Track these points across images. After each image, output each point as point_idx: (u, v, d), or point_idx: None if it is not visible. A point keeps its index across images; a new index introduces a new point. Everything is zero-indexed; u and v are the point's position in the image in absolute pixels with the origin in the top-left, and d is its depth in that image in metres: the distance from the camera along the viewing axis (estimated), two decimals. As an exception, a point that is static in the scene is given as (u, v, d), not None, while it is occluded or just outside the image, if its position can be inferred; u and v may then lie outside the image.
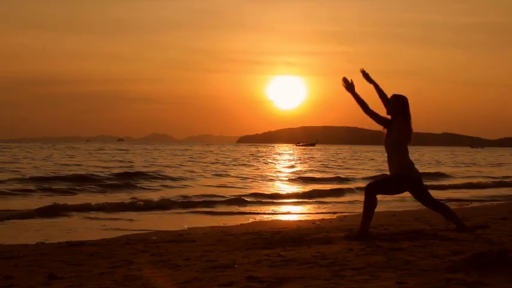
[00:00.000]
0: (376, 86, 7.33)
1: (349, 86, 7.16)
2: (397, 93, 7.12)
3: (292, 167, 39.73)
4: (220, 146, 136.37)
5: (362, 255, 5.70)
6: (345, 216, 12.73)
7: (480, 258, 4.95)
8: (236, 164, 42.85)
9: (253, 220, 12.48)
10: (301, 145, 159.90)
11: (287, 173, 32.50)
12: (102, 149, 76.40)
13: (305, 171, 33.71)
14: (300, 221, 11.89)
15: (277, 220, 12.66)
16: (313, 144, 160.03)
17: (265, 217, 13.23)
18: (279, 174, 30.82)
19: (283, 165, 43.06)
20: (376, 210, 7.03)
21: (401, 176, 6.96)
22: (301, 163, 46.71)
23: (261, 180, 26.26)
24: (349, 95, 7.15)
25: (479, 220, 8.52)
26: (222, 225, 11.35)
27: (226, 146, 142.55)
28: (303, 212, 14.63)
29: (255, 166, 40.02)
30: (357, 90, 7.10)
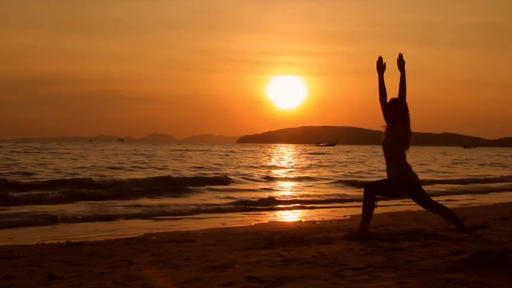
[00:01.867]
0: (403, 76, 7.12)
1: (380, 66, 7.19)
2: (402, 101, 7.08)
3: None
4: (240, 146, 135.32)
5: (362, 255, 5.70)
6: (345, 216, 12.74)
7: (480, 258, 4.95)
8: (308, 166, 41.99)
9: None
10: (322, 145, 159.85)
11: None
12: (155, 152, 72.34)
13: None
14: (300, 221, 11.88)
15: (277, 220, 12.67)
16: (333, 145, 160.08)
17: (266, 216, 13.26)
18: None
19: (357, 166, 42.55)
20: (376, 210, 7.03)
21: (401, 180, 6.96)
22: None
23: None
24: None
25: (479, 220, 8.51)
26: (222, 225, 11.35)
27: (240, 146, 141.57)
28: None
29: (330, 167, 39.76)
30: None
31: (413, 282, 4.45)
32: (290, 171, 33.83)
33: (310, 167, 40.32)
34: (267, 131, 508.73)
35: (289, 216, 13.56)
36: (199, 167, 34.60)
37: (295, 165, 42.50)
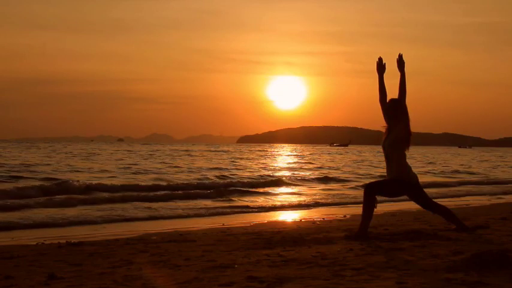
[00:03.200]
0: (402, 76, 7.07)
1: (381, 67, 7.19)
2: (396, 98, 7.09)
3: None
4: (247, 147, 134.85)
5: (362, 255, 5.71)
6: (345, 216, 12.73)
7: (480, 258, 4.95)
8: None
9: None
10: (336, 145, 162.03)
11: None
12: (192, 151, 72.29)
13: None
14: (300, 221, 11.88)
15: (277, 220, 12.67)
16: (346, 145, 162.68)
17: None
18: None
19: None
20: (376, 210, 7.03)
21: (401, 181, 6.96)
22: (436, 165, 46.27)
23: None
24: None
25: (479, 220, 8.52)
26: (222, 225, 11.35)
27: (249, 146, 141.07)
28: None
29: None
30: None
31: (413, 282, 4.45)
32: (336, 171, 33.78)
33: (355, 166, 40.58)
34: (267, 131, 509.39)
35: (289, 216, 13.56)
36: (239, 169, 33.91)
37: (332, 165, 42.31)
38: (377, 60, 7.23)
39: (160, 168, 32.70)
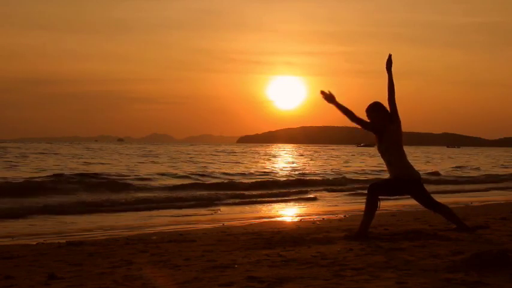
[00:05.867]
0: (390, 77, 6.97)
1: (328, 97, 7.10)
2: (375, 102, 7.05)
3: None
4: (257, 147, 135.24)
5: (362, 255, 5.71)
6: (345, 216, 12.74)
7: (480, 258, 4.95)
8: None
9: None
10: (362, 145, 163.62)
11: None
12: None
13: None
14: (300, 221, 11.88)
15: (277, 220, 12.67)
16: (372, 145, 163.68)
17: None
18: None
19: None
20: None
21: (402, 179, 6.96)
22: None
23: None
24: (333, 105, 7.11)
25: (479, 220, 8.51)
26: (222, 225, 11.35)
27: (259, 147, 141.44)
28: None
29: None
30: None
31: (413, 282, 4.45)
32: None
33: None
34: (267, 131, 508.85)
35: (289, 216, 13.57)
36: (291, 170, 34.71)
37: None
38: (321, 95, 7.07)
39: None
